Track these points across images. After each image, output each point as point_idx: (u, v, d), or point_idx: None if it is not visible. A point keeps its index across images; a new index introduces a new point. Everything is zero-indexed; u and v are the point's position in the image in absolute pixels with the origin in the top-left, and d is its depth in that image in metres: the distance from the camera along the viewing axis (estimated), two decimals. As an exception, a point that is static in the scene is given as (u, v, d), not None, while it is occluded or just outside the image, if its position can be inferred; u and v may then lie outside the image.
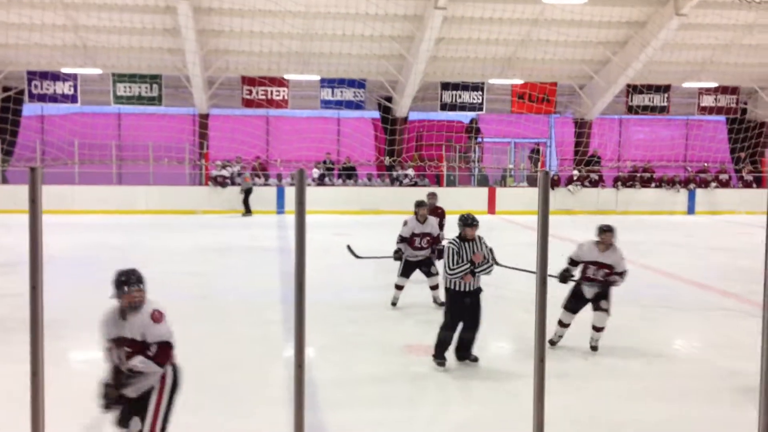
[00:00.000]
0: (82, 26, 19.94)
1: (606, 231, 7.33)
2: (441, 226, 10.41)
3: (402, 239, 9.26)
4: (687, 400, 6.23)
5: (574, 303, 7.52)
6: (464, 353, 7.06)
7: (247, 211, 21.07)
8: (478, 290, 6.96)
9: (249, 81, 22.50)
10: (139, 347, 4.31)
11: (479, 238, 7.03)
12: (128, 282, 4.32)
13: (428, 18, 19.44)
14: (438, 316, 7.34)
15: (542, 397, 2.79)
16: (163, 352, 4.37)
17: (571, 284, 7.56)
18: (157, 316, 4.37)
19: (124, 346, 4.32)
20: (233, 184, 21.59)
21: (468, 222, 6.96)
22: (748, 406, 5.64)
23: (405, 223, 9.35)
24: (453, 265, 6.81)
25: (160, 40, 20.77)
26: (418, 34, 20.36)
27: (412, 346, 7.53)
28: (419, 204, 9.53)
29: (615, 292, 7.59)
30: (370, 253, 10.96)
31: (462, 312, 6.90)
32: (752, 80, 24.38)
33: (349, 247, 10.69)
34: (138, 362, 4.31)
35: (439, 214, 10.97)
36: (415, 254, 9.32)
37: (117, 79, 21.97)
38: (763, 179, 25.24)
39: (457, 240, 6.95)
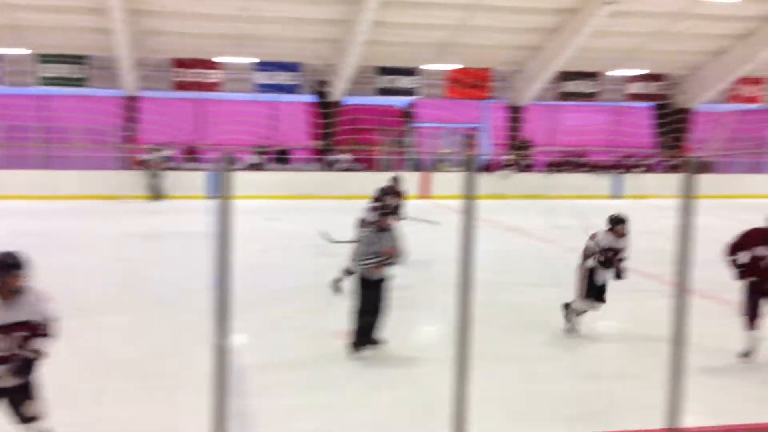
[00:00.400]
0: (6, 4, 19.11)
1: (622, 222, 7.64)
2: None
3: (367, 223, 9.07)
4: (610, 379, 6.42)
5: (596, 290, 7.70)
6: (368, 338, 7.05)
7: (157, 196, 20.60)
8: (388, 278, 6.99)
9: (181, 63, 22.02)
10: (32, 328, 4.18)
11: (395, 228, 7.08)
12: (17, 264, 4.15)
13: (365, 1, 19.35)
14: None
15: (465, 380, 2.83)
16: (54, 330, 4.28)
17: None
18: (46, 294, 4.28)
19: (16, 331, 4.14)
20: (164, 169, 21.12)
21: (386, 211, 7.02)
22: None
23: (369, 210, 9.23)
24: (366, 254, 6.82)
25: (88, 19, 20.08)
26: (355, 17, 20.25)
27: (342, 332, 7.54)
28: (386, 193, 9.44)
29: (543, 274, 7.75)
30: (308, 239, 10.89)
31: (371, 299, 6.90)
32: (679, 67, 25.13)
33: (322, 233, 10.58)
34: (43, 344, 4.20)
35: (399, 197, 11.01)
36: None
37: (42, 60, 21.20)
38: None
39: (373, 229, 6.97)
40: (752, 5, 20.66)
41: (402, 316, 7.49)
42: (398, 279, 7.40)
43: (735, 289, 10.31)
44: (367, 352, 6.99)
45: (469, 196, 2.66)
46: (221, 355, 2.54)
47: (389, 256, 6.83)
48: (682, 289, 3.23)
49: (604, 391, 6.17)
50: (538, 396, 6.02)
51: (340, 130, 23.71)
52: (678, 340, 3.20)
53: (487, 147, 25.28)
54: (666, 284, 10.17)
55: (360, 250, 6.97)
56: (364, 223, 9.17)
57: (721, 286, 10.71)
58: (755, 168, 27.93)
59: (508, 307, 8.77)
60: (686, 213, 3.13)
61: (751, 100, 26.05)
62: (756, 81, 25.61)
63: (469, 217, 2.70)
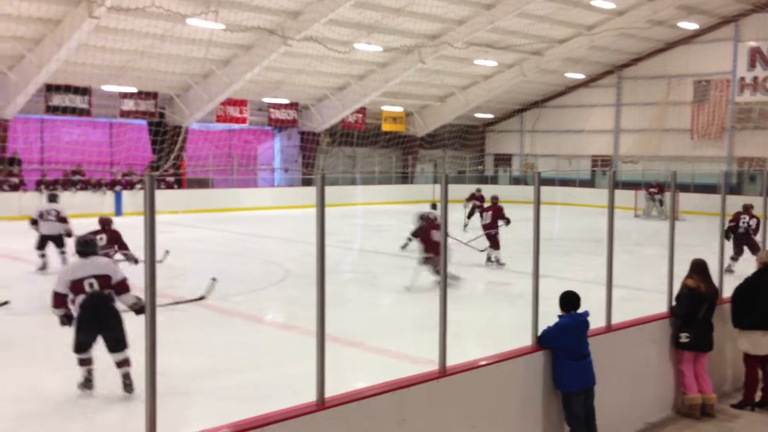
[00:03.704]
0: None
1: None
2: None
3: None
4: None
5: None
6: None
7: None
8: None
9: None
10: None
11: None
12: None
13: None
14: None
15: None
16: None
17: None
18: None
19: None
20: None
21: None
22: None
23: None
24: None
25: None
26: None
27: None
28: None
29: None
30: None
31: None
32: (169, 87, 25.83)
33: None
34: None
35: None
36: None
37: None
38: (183, 180, 27.11)
39: None
40: (232, 35, 22.21)
41: None
42: None
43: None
44: None
45: None
46: None
47: None
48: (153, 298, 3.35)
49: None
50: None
51: None
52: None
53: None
54: (164, 297, 10.34)
55: None
56: None
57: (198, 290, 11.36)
58: (248, 183, 30.46)
59: None
60: (149, 227, 3.23)
61: (237, 120, 28.23)
62: (240, 102, 27.87)
63: None
